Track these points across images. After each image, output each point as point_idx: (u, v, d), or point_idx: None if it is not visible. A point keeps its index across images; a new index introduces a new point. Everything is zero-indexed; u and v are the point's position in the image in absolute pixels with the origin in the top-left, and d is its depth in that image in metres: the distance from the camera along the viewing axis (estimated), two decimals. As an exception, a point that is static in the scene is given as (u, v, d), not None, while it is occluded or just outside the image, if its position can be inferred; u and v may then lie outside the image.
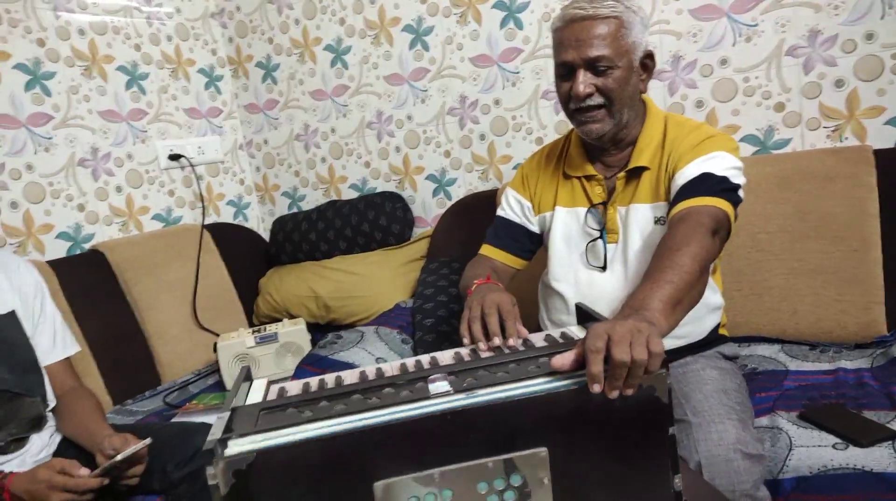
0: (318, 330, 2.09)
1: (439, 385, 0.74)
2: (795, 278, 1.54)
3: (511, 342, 0.91)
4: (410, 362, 0.86)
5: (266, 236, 2.58)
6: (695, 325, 1.24)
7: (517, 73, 2.04)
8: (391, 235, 2.24)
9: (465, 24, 2.08)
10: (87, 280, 1.89)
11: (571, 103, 1.21)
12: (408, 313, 1.93)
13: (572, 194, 1.32)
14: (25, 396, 1.28)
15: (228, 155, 2.62)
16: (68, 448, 1.28)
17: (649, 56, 1.21)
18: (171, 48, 2.41)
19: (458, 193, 2.25)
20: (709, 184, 1.09)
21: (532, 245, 1.41)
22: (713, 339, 1.29)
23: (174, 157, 2.35)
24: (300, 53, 2.43)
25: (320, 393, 0.77)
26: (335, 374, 0.84)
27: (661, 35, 1.80)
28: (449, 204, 2.23)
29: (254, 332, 1.95)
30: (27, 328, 1.33)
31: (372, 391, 0.76)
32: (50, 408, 1.33)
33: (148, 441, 1.17)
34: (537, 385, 0.72)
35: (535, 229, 1.39)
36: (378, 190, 2.41)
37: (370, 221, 2.24)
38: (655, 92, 1.83)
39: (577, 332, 0.90)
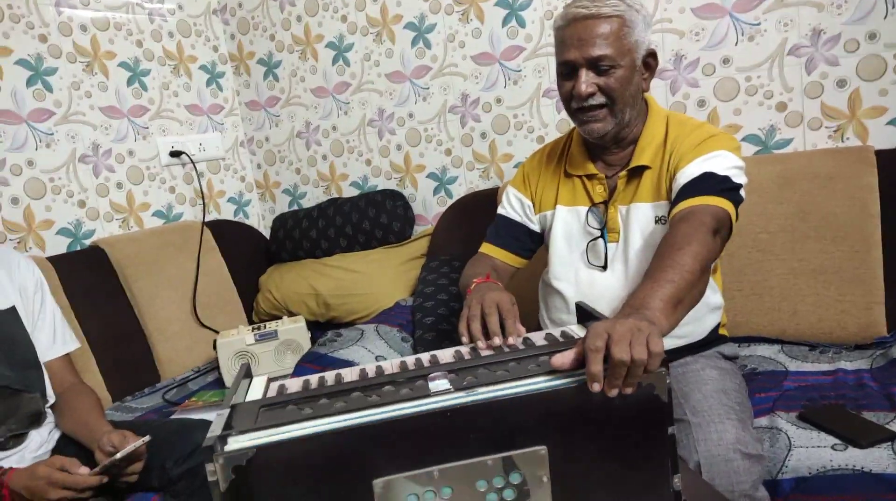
0: (318, 328, 2.09)
1: (439, 383, 0.74)
2: (796, 279, 1.54)
3: (511, 340, 0.91)
4: (410, 360, 0.86)
5: (266, 233, 2.58)
6: (695, 325, 1.24)
7: (519, 71, 2.04)
8: (392, 233, 2.24)
9: (467, 22, 2.08)
10: (87, 277, 1.88)
11: (573, 103, 1.20)
12: (408, 311, 1.93)
13: (573, 193, 1.31)
14: (25, 392, 1.28)
15: (229, 152, 2.62)
16: (67, 444, 1.28)
17: (652, 55, 1.21)
18: (173, 45, 2.40)
19: (458, 191, 2.25)
20: (710, 183, 1.09)
21: (532, 244, 1.41)
22: (713, 339, 1.29)
23: (175, 153, 2.35)
24: (302, 50, 2.43)
25: (320, 391, 0.77)
26: (335, 372, 0.84)
27: (664, 34, 1.80)
28: (450, 202, 2.22)
29: (253, 329, 1.95)
30: (27, 324, 1.33)
31: (372, 388, 0.76)
32: (49, 404, 1.33)
33: (147, 438, 1.17)
34: (537, 384, 0.72)
35: (535, 227, 1.39)
36: (379, 188, 2.41)
37: (371, 218, 2.24)
38: (657, 91, 1.83)
39: (577, 331, 0.90)
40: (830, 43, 1.63)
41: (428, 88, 2.21)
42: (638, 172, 1.23)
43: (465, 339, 0.95)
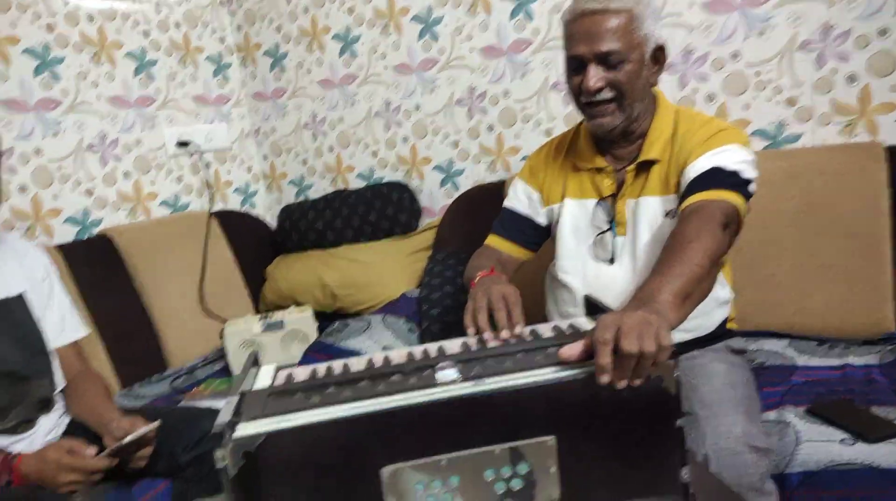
0: (325, 318, 2.10)
1: (447, 373, 0.74)
2: (805, 274, 1.54)
3: (518, 330, 0.91)
4: (418, 350, 0.86)
5: (273, 223, 2.58)
6: (703, 319, 1.24)
7: (527, 64, 2.03)
8: (398, 225, 2.24)
9: (474, 15, 2.07)
10: (94, 265, 1.89)
11: (582, 97, 1.20)
12: (414, 302, 1.94)
13: (581, 187, 1.31)
14: (34, 378, 1.28)
15: (236, 143, 2.62)
16: (77, 430, 1.28)
17: (660, 49, 1.20)
18: (180, 35, 2.40)
19: (465, 184, 2.25)
20: (720, 177, 1.09)
21: (538, 237, 1.41)
22: (721, 333, 1.29)
23: (182, 144, 2.35)
24: (308, 42, 2.43)
25: (328, 379, 0.78)
26: (343, 361, 0.85)
27: (673, 28, 1.79)
28: (456, 195, 2.22)
29: (261, 319, 1.95)
30: (36, 311, 1.34)
31: (380, 378, 0.76)
32: (58, 391, 1.34)
33: (157, 423, 1.17)
34: (545, 375, 0.72)
35: (542, 220, 1.39)
36: (385, 180, 2.41)
37: (377, 210, 2.24)
38: (665, 85, 1.82)
39: (585, 323, 0.90)
40: (841, 38, 1.62)
41: (435, 81, 2.21)
42: (646, 166, 1.23)
43: (471, 331, 0.95)
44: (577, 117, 1.31)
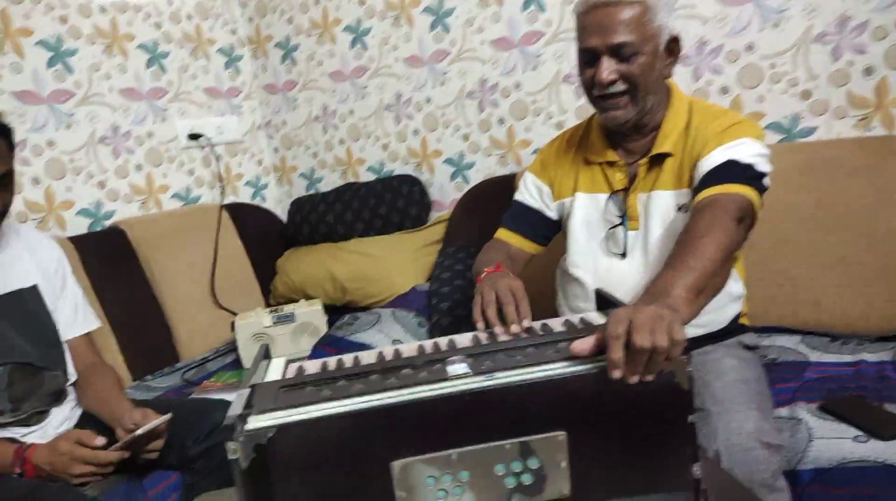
0: (335, 312, 2.10)
1: (458, 367, 0.74)
2: (818, 269, 1.52)
3: (525, 323, 0.90)
4: (428, 343, 0.86)
5: (283, 216, 2.59)
6: (716, 314, 1.23)
7: (539, 56, 2.02)
8: (408, 218, 2.24)
9: (486, 7, 2.06)
10: (107, 257, 1.90)
11: (595, 90, 1.19)
12: (424, 296, 1.94)
13: (593, 180, 1.30)
14: (47, 370, 1.30)
15: (247, 135, 2.63)
16: (89, 421, 1.29)
17: (675, 40, 1.18)
18: (192, 27, 2.41)
19: (475, 177, 2.24)
20: (734, 171, 1.08)
21: (548, 231, 1.40)
22: (734, 328, 1.28)
23: (194, 136, 2.36)
24: (319, 34, 2.42)
25: (339, 373, 0.78)
26: (353, 354, 0.85)
27: (687, 20, 1.77)
28: (466, 188, 2.22)
29: (271, 312, 1.96)
30: (49, 303, 1.35)
31: (390, 371, 0.76)
32: (71, 382, 1.35)
33: (168, 416, 1.18)
34: (556, 369, 0.72)
35: (552, 214, 1.38)
36: (396, 173, 2.40)
37: (387, 203, 2.24)
38: (679, 77, 1.79)
39: (596, 318, 0.89)
40: (858, 30, 1.59)
41: (446, 73, 2.20)
42: (659, 159, 1.21)
43: (480, 325, 0.95)
44: (589, 110, 1.30)
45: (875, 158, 1.50)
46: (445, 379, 0.71)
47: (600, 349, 0.72)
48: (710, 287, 0.93)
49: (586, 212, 1.30)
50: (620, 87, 1.16)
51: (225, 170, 2.51)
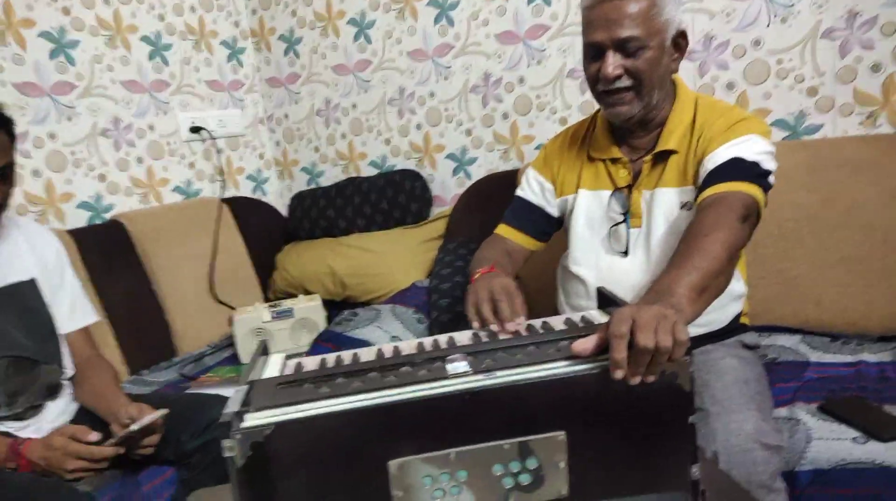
0: (334, 307, 2.10)
1: (458, 365, 0.73)
2: (820, 268, 1.51)
3: (521, 320, 0.90)
4: (428, 341, 0.85)
5: (284, 211, 2.58)
6: (717, 313, 1.22)
7: (543, 50, 2.00)
8: (409, 213, 2.23)
9: (491, 0, 2.04)
10: (106, 250, 1.90)
11: (600, 85, 1.17)
12: (424, 292, 1.93)
13: (596, 177, 1.29)
14: (43, 363, 1.29)
15: (249, 129, 2.61)
16: (85, 416, 1.29)
17: (682, 35, 1.17)
18: (195, 19, 2.39)
19: (478, 172, 2.23)
20: (739, 169, 1.06)
21: (549, 228, 1.39)
22: (734, 327, 1.27)
23: (195, 129, 2.35)
24: (323, 27, 2.41)
25: (337, 370, 0.77)
26: (352, 351, 0.84)
27: (694, 14, 1.75)
28: (468, 184, 2.20)
29: (270, 307, 1.95)
30: (47, 296, 1.34)
31: (389, 369, 0.75)
32: (67, 376, 1.35)
33: (164, 411, 1.18)
34: (557, 369, 0.71)
35: (553, 211, 1.37)
36: (397, 167, 2.39)
37: (389, 198, 2.23)
38: (685, 73, 1.78)
39: (597, 316, 0.88)
40: (867, 26, 1.58)
41: (450, 67, 2.19)
42: (664, 156, 1.20)
43: (476, 324, 0.94)
44: (594, 106, 1.28)
45: (880, 156, 1.49)
46: (445, 378, 0.71)
47: (602, 349, 0.71)
48: (714, 287, 0.92)
49: (589, 209, 1.29)
50: (626, 82, 1.14)
51: (226, 163, 2.50)
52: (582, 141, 1.34)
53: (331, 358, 0.83)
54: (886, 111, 1.60)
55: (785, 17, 1.66)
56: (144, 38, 2.22)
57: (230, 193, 2.49)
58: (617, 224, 1.25)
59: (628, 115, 1.17)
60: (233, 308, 2.06)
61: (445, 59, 2.19)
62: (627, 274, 1.23)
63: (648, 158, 1.21)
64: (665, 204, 1.19)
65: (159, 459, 1.25)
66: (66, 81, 1.99)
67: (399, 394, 0.68)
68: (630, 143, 1.26)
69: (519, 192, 1.41)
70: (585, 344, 0.71)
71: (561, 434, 0.69)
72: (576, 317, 0.89)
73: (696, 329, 1.21)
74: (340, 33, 2.38)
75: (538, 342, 0.80)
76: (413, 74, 2.27)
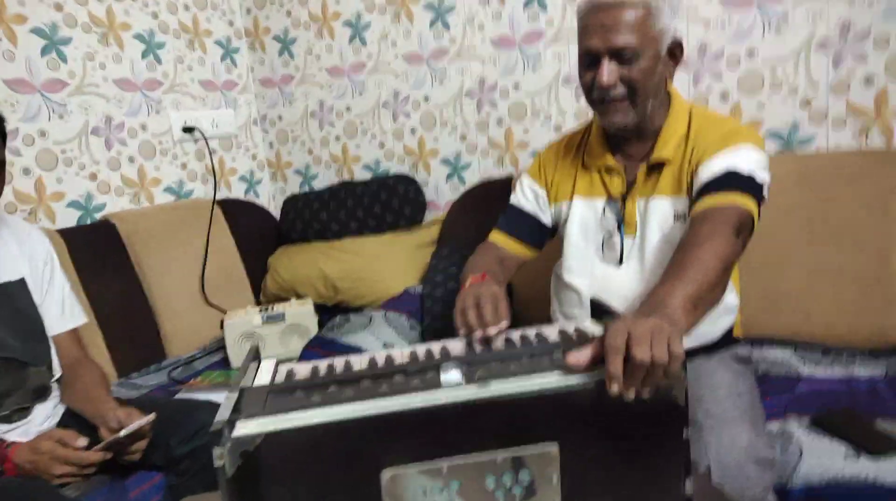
0: (326, 311, 2.08)
1: (451, 376, 0.72)
2: (812, 281, 1.51)
3: (504, 324, 0.90)
4: (421, 349, 0.84)
5: (277, 213, 2.56)
6: (710, 325, 1.22)
7: (539, 56, 2.00)
8: (403, 218, 2.22)
9: (487, 5, 2.04)
10: (96, 251, 1.87)
11: (594, 93, 1.17)
12: (417, 298, 1.92)
13: (591, 185, 1.29)
14: (31, 365, 1.27)
15: (242, 129, 2.60)
16: (72, 419, 1.27)
17: (677, 45, 1.17)
18: (189, 17, 2.38)
19: (472, 178, 2.23)
20: (734, 181, 1.06)
21: (542, 236, 1.38)
22: (727, 340, 1.27)
23: (188, 129, 2.33)
24: (318, 28, 2.40)
25: (329, 378, 0.76)
26: (344, 358, 0.83)
27: (689, 23, 1.76)
28: (462, 189, 2.20)
29: (261, 310, 1.94)
30: (36, 297, 1.33)
31: (382, 378, 0.74)
32: (55, 378, 1.33)
33: (152, 416, 1.16)
34: (551, 381, 0.70)
35: (547, 220, 1.37)
36: (391, 172, 2.39)
37: (382, 203, 2.22)
38: (679, 82, 1.79)
39: (591, 327, 0.88)
40: (860, 38, 1.58)
41: (445, 71, 2.18)
42: (658, 165, 1.20)
43: (462, 331, 0.94)
44: (588, 113, 1.28)
45: (873, 169, 1.49)
46: (438, 388, 0.70)
47: (596, 361, 0.71)
48: (708, 298, 0.92)
49: (583, 218, 1.28)
50: (620, 90, 1.14)
51: (219, 164, 2.48)
52: (577, 149, 1.34)
53: (323, 365, 0.82)
54: (878, 124, 1.61)
55: (779, 27, 1.66)
56: (138, 36, 2.20)
57: (222, 194, 2.48)
58: (611, 233, 1.25)
59: (622, 123, 1.17)
60: (224, 311, 2.04)
61: (440, 63, 2.18)
62: (621, 284, 1.23)
63: (643, 167, 1.21)
64: (659, 214, 1.19)
65: (147, 464, 1.23)
66: (58, 78, 1.97)
67: (392, 404, 0.67)
68: (625, 151, 1.26)
69: (513, 199, 1.41)
70: (580, 357, 0.71)
71: (554, 447, 0.68)
72: (570, 327, 0.88)
73: (688, 342, 1.20)
74: (335, 35, 2.37)
75: (532, 352, 0.80)
76: (408, 78, 2.26)
